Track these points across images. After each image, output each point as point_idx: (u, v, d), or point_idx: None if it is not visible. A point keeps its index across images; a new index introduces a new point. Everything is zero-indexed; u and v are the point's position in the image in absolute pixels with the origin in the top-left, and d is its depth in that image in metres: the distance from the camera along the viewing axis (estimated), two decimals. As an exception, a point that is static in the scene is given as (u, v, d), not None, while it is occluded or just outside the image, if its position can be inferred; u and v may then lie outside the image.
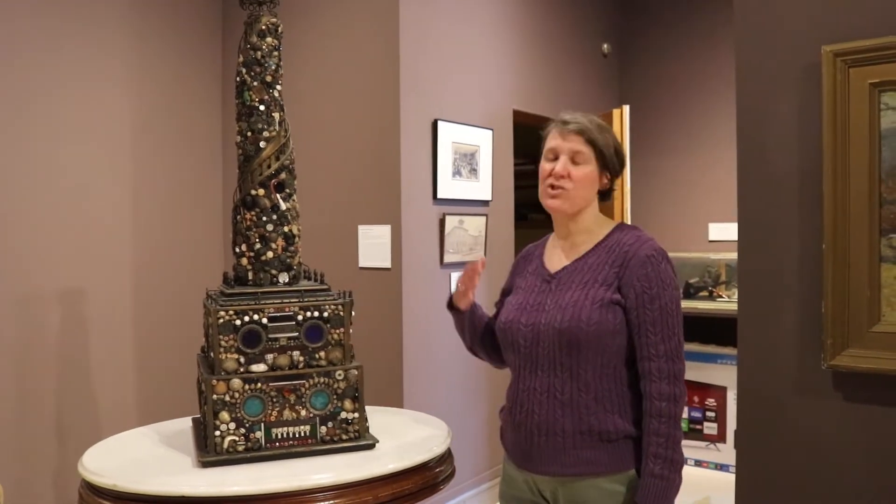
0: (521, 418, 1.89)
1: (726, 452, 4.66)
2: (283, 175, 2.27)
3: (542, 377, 1.86)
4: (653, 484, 1.73)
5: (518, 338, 1.91)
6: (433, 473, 2.13)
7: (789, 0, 2.01)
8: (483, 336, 2.11)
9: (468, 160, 4.15)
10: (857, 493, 1.93)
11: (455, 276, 4.09)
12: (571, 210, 1.92)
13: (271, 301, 2.15)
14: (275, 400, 2.10)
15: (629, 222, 4.13)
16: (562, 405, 1.82)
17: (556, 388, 1.83)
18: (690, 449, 4.75)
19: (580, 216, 1.93)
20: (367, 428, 2.21)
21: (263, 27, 2.25)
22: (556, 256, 1.97)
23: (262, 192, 2.23)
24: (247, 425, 2.07)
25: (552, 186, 1.91)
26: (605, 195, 1.98)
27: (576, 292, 1.84)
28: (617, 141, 1.96)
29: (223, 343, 2.08)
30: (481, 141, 4.25)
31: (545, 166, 1.93)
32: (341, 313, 2.19)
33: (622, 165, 1.97)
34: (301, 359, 2.15)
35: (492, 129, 4.34)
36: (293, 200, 2.30)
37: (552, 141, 1.94)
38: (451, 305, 2.12)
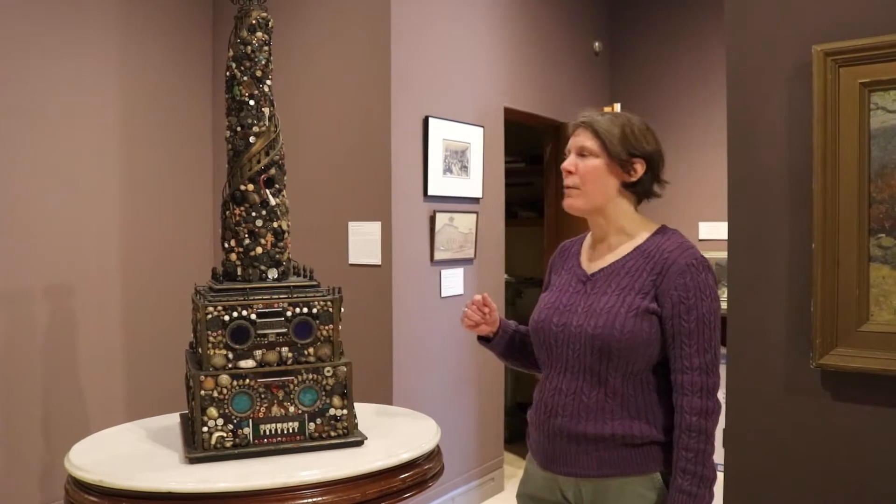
0: (544, 419, 1.87)
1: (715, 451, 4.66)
2: (272, 170, 2.25)
3: (570, 379, 1.83)
4: (680, 500, 1.70)
5: (549, 338, 1.88)
6: (422, 470, 2.13)
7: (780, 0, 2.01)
8: (520, 350, 2.11)
9: (459, 157, 4.15)
10: (844, 491, 1.94)
11: (445, 273, 4.09)
12: (586, 207, 1.87)
13: (260, 297, 2.14)
14: (263, 396, 2.09)
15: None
16: (586, 409, 1.79)
17: (582, 392, 1.80)
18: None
19: (607, 213, 1.86)
20: (356, 425, 2.20)
21: (253, 21, 2.24)
22: (593, 256, 1.92)
23: (251, 187, 2.22)
24: (234, 421, 2.06)
25: (566, 187, 1.88)
26: (634, 189, 1.86)
27: (611, 298, 1.79)
28: (635, 126, 1.85)
29: (211, 339, 2.07)
30: (472, 138, 4.25)
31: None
32: (330, 309, 2.19)
33: (642, 154, 1.83)
34: (290, 355, 2.14)
35: (483, 127, 4.33)
36: (283, 196, 2.28)
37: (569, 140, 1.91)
38: (480, 339, 2.12)
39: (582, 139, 1.86)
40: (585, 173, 1.85)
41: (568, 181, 1.88)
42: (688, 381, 1.73)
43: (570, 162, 1.88)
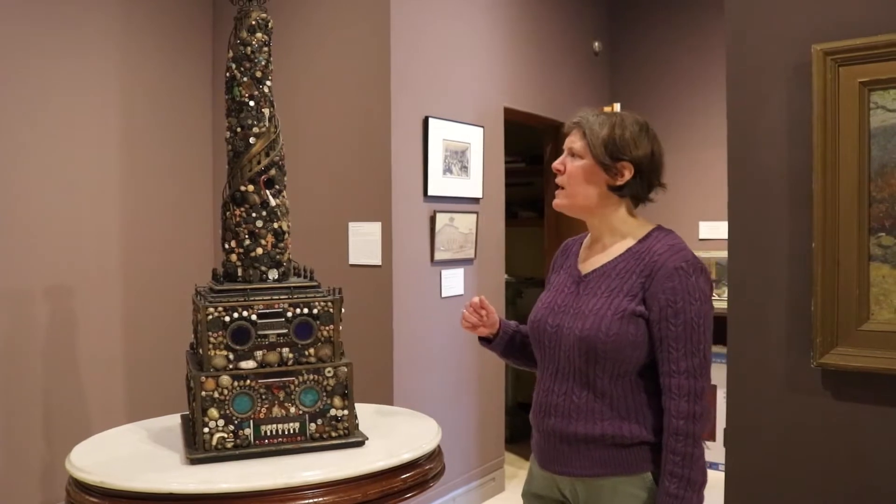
0: (539, 419, 1.89)
1: (715, 450, 4.67)
2: (272, 171, 2.26)
3: (561, 380, 1.84)
4: (667, 503, 1.69)
5: (543, 338, 1.89)
6: (423, 471, 2.13)
7: (780, -1, 2.01)
8: (520, 349, 2.12)
9: (459, 157, 4.15)
10: (845, 490, 1.94)
11: (446, 273, 4.09)
12: (570, 207, 1.88)
13: (260, 297, 2.14)
14: (264, 397, 2.09)
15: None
16: (577, 409, 1.80)
17: (573, 393, 1.81)
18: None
19: (597, 214, 1.86)
20: (357, 425, 2.21)
21: (253, 22, 2.24)
22: (589, 257, 1.92)
23: (251, 188, 2.22)
24: (235, 422, 2.06)
25: (556, 185, 1.89)
26: (622, 192, 1.83)
27: (600, 300, 1.80)
28: (627, 129, 1.81)
29: (212, 340, 2.07)
30: (472, 138, 4.25)
31: None
32: (331, 310, 2.19)
33: (630, 158, 1.80)
34: (290, 356, 2.14)
35: (483, 127, 4.33)
36: (283, 197, 2.29)
37: None
38: (481, 340, 2.13)
39: (572, 139, 1.87)
40: (570, 174, 1.86)
41: (557, 179, 1.90)
42: (675, 385, 1.72)
43: (559, 160, 1.89)
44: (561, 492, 1.89)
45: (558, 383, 1.84)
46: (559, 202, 1.89)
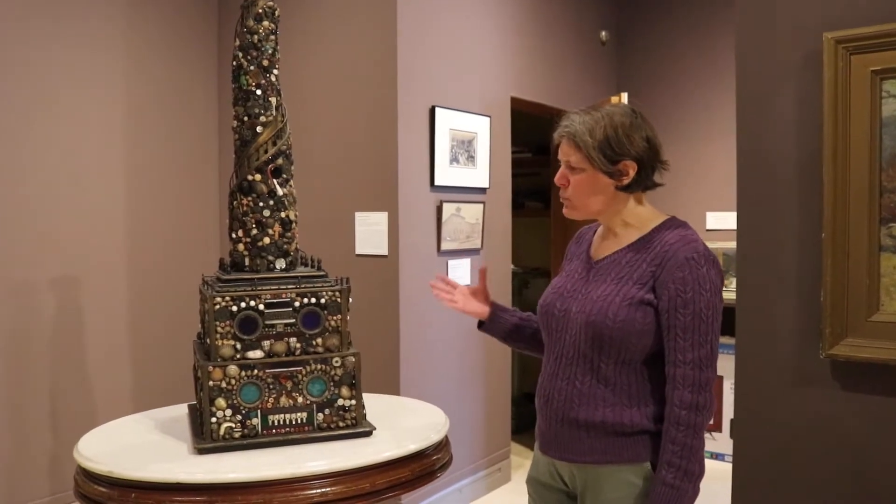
0: (542, 403, 1.89)
1: (722, 441, 4.67)
2: (279, 160, 2.25)
3: (565, 365, 1.84)
4: (663, 492, 1.69)
5: (551, 322, 1.90)
6: (430, 461, 2.13)
7: (791, -13, 1.99)
8: (529, 337, 2.12)
9: (466, 147, 4.14)
10: (852, 481, 1.93)
11: (452, 263, 4.09)
12: (584, 217, 1.88)
13: (268, 287, 2.14)
14: (271, 387, 2.09)
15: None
16: (579, 395, 1.81)
17: (576, 378, 1.82)
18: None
19: (608, 213, 1.86)
20: (364, 415, 2.21)
21: (260, 10, 2.23)
22: (602, 245, 1.92)
23: (258, 177, 2.22)
24: (243, 412, 2.06)
25: (562, 197, 1.89)
26: (629, 189, 1.82)
27: (609, 286, 1.80)
28: (619, 128, 1.78)
29: (219, 329, 2.07)
30: (479, 128, 4.23)
31: None
32: (338, 300, 2.18)
33: (630, 157, 1.78)
34: (298, 345, 2.14)
35: (489, 117, 4.32)
36: (290, 186, 2.28)
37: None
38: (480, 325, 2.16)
39: (566, 152, 1.84)
40: (575, 188, 1.84)
41: (562, 193, 1.88)
42: (680, 375, 1.72)
43: (560, 175, 1.87)
44: (561, 478, 1.90)
45: (563, 368, 1.85)
46: (569, 214, 1.90)
